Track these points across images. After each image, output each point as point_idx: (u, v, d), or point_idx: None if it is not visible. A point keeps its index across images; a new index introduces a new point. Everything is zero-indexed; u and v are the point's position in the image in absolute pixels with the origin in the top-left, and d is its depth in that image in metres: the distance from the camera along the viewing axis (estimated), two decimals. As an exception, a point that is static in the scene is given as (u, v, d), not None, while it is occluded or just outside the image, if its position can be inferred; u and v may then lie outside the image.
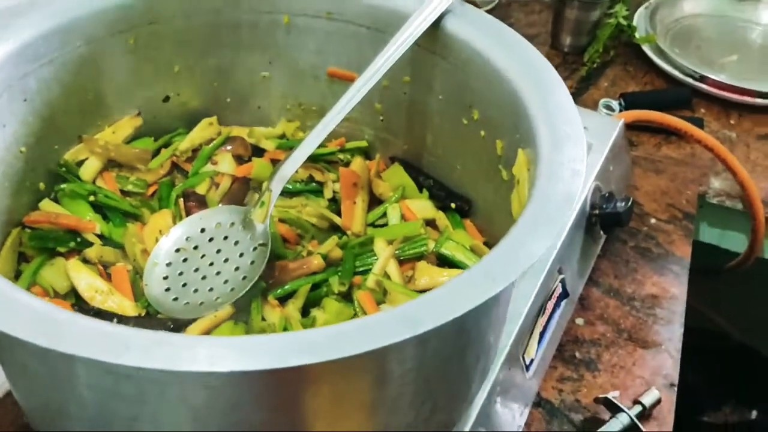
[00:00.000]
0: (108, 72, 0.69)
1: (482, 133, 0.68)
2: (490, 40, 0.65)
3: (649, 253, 1.01)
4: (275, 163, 0.76)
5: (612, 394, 0.81)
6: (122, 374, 0.43)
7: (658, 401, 0.82)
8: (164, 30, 0.70)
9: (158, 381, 0.43)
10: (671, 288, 0.96)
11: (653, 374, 0.87)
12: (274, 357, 0.39)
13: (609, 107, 1.19)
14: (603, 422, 0.79)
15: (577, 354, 0.88)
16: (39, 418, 0.58)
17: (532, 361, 0.77)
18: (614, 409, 0.79)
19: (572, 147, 0.54)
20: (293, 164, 0.66)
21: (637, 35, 1.30)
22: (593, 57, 1.31)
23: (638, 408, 0.80)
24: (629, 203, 0.92)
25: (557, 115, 0.57)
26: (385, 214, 0.73)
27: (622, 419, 0.78)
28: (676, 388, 0.85)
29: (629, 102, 1.17)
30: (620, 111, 1.15)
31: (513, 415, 0.73)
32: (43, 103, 0.65)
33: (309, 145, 0.66)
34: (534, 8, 1.45)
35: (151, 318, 0.61)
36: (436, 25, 0.67)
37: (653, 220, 1.06)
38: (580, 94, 1.26)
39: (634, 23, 1.32)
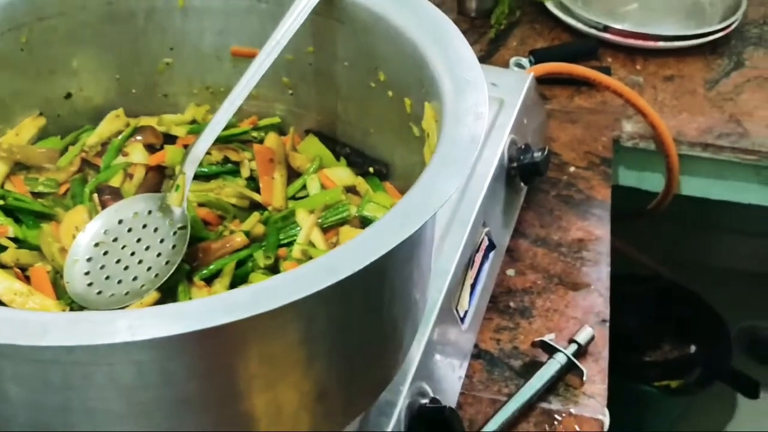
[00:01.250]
0: (3, 73, 0.67)
1: (390, 93, 0.68)
2: (387, 1, 0.65)
3: (571, 200, 1.04)
4: (187, 147, 0.75)
5: (548, 337, 0.84)
6: (47, 360, 0.42)
7: (592, 338, 0.84)
8: (56, 25, 0.69)
9: (83, 363, 0.43)
10: (595, 231, 0.99)
11: (585, 313, 0.89)
12: (196, 319, 0.39)
13: (520, 65, 1.22)
14: (542, 364, 0.81)
15: (512, 304, 0.90)
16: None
17: (466, 313, 0.78)
18: (551, 351, 0.82)
19: (474, 92, 0.55)
20: (204, 144, 0.65)
21: (540, -6, 1.33)
22: (500, 19, 1.34)
23: (574, 346, 0.83)
24: (545, 153, 0.94)
25: (458, 65, 0.59)
26: (304, 186, 0.73)
27: (560, 359, 0.80)
28: (608, 324, 0.88)
29: (539, 58, 1.20)
30: (530, 67, 1.18)
31: (453, 366, 0.75)
32: (-63, 110, 0.63)
33: (217, 124, 0.66)
34: (437, -23, 1.47)
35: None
36: (332, -9, 0.67)
37: (572, 168, 1.09)
38: (490, 55, 1.29)
39: (536, -18, 1.34)
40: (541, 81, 1.12)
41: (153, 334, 0.39)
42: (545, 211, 1.02)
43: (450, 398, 0.74)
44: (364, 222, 0.68)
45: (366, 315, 0.51)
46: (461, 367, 0.77)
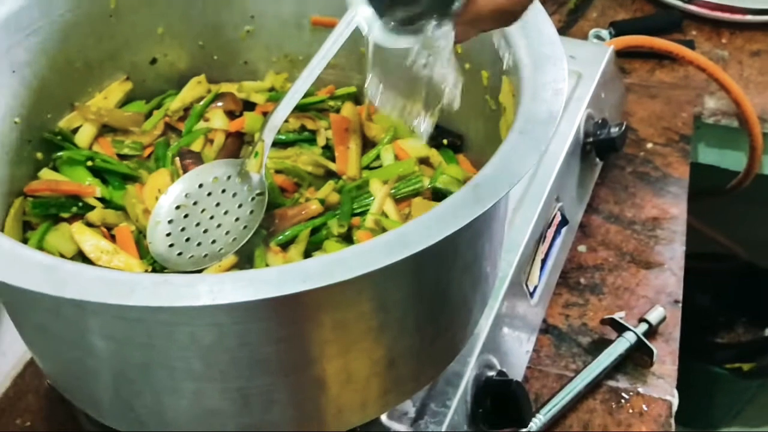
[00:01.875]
0: (94, 38, 0.70)
1: (467, 66, 0.68)
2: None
3: (647, 177, 1.02)
4: (266, 115, 0.76)
5: (618, 315, 0.83)
6: (132, 319, 0.45)
7: (664, 318, 0.83)
8: (144, -8, 0.70)
9: (166, 322, 0.45)
10: (671, 209, 0.97)
11: (657, 293, 0.88)
12: (274, 286, 0.40)
13: (599, 37, 1.19)
14: (610, 342, 0.80)
15: (582, 280, 0.90)
16: (60, 378, 0.60)
17: (535, 288, 0.78)
18: (621, 329, 0.81)
19: (553, 68, 0.55)
20: (283, 112, 0.66)
21: (623, -38, 1.29)
22: (581, -12, 1.30)
23: (644, 326, 0.82)
24: (623, 128, 0.92)
25: (537, 39, 0.58)
26: (378, 157, 0.74)
27: (629, 337, 0.80)
28: (680, 305, 0.87)
29: (619, 30, 1.17)
30: (610, 39, 1.15)
31: (520, 340, 0.75)
32: (32, 73, 0.65)
33: (296, 93, 0.66)
34: (517, -56, 1.44)
35: (157, 273, 0.62)
36: (413, -38, 0.67)
37: (650, 145, 1.06)
38: (569, 26, 1.26)
39: (620, -50, 1.30)
40: (621, 54, 1.10)
41: (232, 298, 0.40)
42: (620, 188, 1.00)
43: (517, 372, 0.74)
44: (437, 194, 0.69)
45: (437, 287, 0.52)
46: (529, 341, 0.77)
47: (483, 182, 0.47)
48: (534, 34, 0.59)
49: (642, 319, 0.83)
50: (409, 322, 0.51)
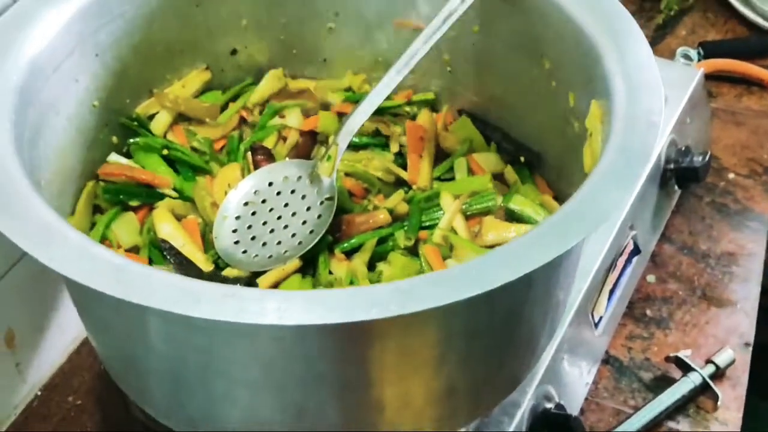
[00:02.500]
0: (177, 26, 0.69)
1: (553, 83, 0.66)
2: (563, -12, 0.62)
3: (725, 209, 0.98)
4: (341, 116, 0.75)
5: (683, 353, 0.79)
6: (195, 326, 0.44)
7: (733, 361, 0.79)
8: (232, -17, 0.70)
9: (229, 332, 0.44)
10: (748, 245, 0.93)
11: (727, 333, 0.84)
12: (341, 311, 0.39)
13: (687, 56, 1.14)
14: (674, 381, 0.77)
15: (648, 312, 0.87)
16: (115, 367, 0.60)
17: (601, 318, 0.76)
18: (686, 369, 0.78)
19: (649, 98, 0.52)
20: (360, 118, 0.65)
21: (719, -20, 1.24)
22: (671, 3, 1.25)
23: (711, 367, 0.78)
24: (707, 157, 0.88)
25: (633, 64, 0.55)
26: (451, 168, 0.72)
27: (694, 378, 0.76)
28: (751, 348, 0.83)
29: (708, 51, 1.12)
30: (699, 60, 1.10)
31: (581, 372, 0.73)
32: (114, 57, 0.65)
33: (375, 99, 0.65)
34: (609, -47, 1.39)
35: (220, 275, 0.61)
36: (507, -28, 0.65)
37: (731, 175, 1.02)
38: (656, 42, 1.21)
39: (717, -33, 1.25)
40: (708, 76, 1.05)
41: (299, 320, 0.39)
42: (696, 218, 0.96)
43: (574, 404, 0.72)
44: (509, 214, 0.66)
45: (507, 319, 0.50)
46: (589, 373, 0.75)
47: (567, 217, 0.44)
48: (630, 58, 0.56)
49: (709, 360, 0.79)
50: (474, 353, 0.49)
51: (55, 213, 0.45)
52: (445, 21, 0.64)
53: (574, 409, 0.71)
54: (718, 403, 0.75)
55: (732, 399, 0.78)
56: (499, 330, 0.49)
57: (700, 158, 0.88)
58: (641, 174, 0.46)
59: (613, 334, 0.81)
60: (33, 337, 0.73)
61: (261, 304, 0.40)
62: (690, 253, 0.92)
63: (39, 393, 0.76)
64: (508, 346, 0.52)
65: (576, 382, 0.72)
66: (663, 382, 0.78)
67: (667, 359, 0.79)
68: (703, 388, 0.76)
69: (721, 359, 0.79)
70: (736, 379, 0.79)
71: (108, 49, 0.65)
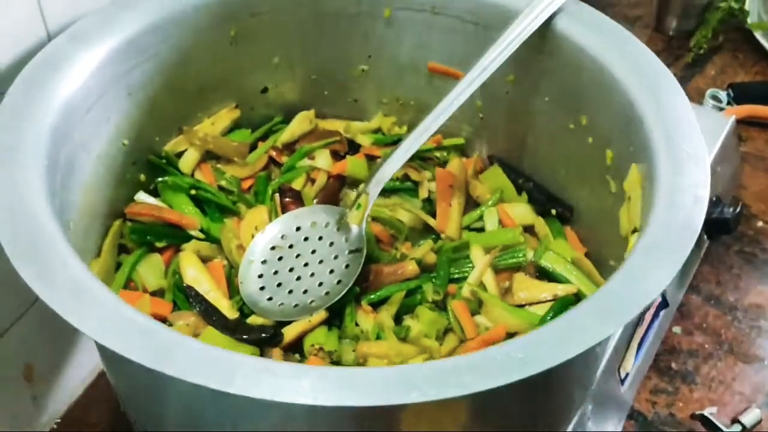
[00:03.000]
0: (209, 64, 0.69)
1: (590, 139, 0.65)
2: (606, 45, 0.61)
3: (754, 259, 0.96)
4: (370, 159, 0.74)
5: (709, 411, 0.78)
6: (225, 394, 0.43)
7: (759, 421, 0.78)
8: (266, 21, 0.69)
9: (260, 404, 0.43)
10: None
11: (755, 391, 0.82)
12: (379, 395, 0.38)
13: (716, 98, 1.13)
14: None
15: (674, 365, 0.85)
16: (132, 408, 0.59)
17: (627, 374, 0.74)
18: (711, 427, 0.76)
19: (694, 169, 0.51)
20: (392, 167, 0.64)
21: (749, 20, 1.22)
22: (700, 42, 1.24)
23: (737, 427, 0.77)
24: (738, 209, 0.87)
25: (677, 132, 0.54)
26: (481, 218, 0.71)
27: None
28: None
29: (738, 93, 1.10)
30: (728, 102, 1.08)
31: (605, 428, 0.71)
32: (146, 96, 0.65)
33: (408, 148, 0.64)
34: (638, -13, 1.38)
35: (245, 324, 0.60)
36: (547, 23, 0.64)
37: (760, 223, 1.00)
38: (684, 81, 1.20)
39: (747, 7, 1.23)
40: (738, 120, 1.03)
41: (335, 401, 0.38)
42: (724, 268, 0.94)
43: (598, 462, 0.70)
44: (540, 271, 0.65)
45: (544, 395, 0.48)
46: (615, 429, 0.73)
47: (610, 298, 0.43)
48: (672, 124, 0.55)
49: (735, 420, 0.77)
50: (509, 421, 0.48)
51: (87, 270, 0.44)
52: (483, 72, 0.63)
53: (596, 467, 0.69)
54: (745, 465, 0.74)
55: (758, 461, 0.76)
56: (533, 405, 0.48)
57: (731, 209, 0.86)
58: (687, 253, 0.45)
59: (638, 387, 0.80)
60: (51, 372, 0.72)
61: (296, 382, 0.39)
62: (717, 305, 0.90)
63: (55, 426, 0.75)
64: (543, 417, 0.51)
65: (600, 440, 0.70)
66: None
67: (693, 417, 0.78)
68: None
69: (748, 419, 0.77)
70: (762, 440, 0.78)
71: (140, 88, 0.64)
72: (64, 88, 0.56)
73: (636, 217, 0.56)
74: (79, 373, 0.76)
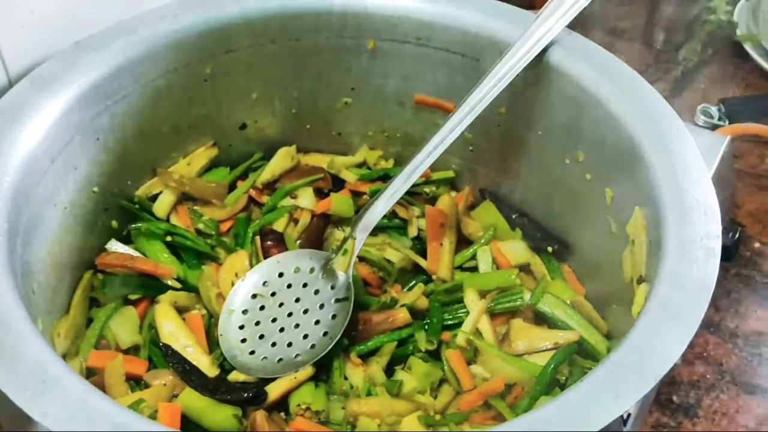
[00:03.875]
0: (184, 103, 0.65)
1: (588, 176, 0.61)
2: (602, 78, 0.58)
3: (752, 281, 0.93)
4: (355, 195, 0.71)
5: None
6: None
7: (765, 458, 0.74)
8: (242, 58, 0.65)
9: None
10: None
11: (759, 424, 0.79)
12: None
13: (707, 113, 1.10)
14: None
15: (675, 398, 0.82)
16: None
17: (629, 415, 0.71)
18: None
19: (704, 218, 0.48)
20: (380, 210, 0.61)
21: (738, 32, 1.20)
22: (689, 55, 1.21)
23: (743, 466, 0.73)
24: (737, 235, 0.84)
25: (684, 176, 0.51)
26: (474, 257, 0.67)
27: None
28: None
29: (730, 110, 1.06)
30: (719, 118, 1.05)
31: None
32: (116, 140, 0.61)
33: (398, 189, 0.61)
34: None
35: (226, 382, 0.57)
36: (540, 55, 0.61)
37: (757, 244, 0.97)
38: (674, 96, 1.17)
39: (735, 19, 1.21)
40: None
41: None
42: (721, 292, 0.92)
43: None
44: (539, 315, 0.62)
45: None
46: (617, 476, 0.70)
47: (621, 369, 0.40)
48: (680, 167, 0.52)
49: None
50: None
51: (52, 351, 0.40)
52: (477, 105, 0.60)
53: None
54: (752, 506, 0.71)
55: (766, 501, 0.73)
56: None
57: (730, 235, 0.83)
58: (701, 315, 0.42)
59: (640, 425, 0.77)
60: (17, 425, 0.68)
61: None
62: (717, 332, 0.87)
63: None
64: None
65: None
66: None
67: None
68: None
69: None
70: (768, 478, 0.75)
71: (110, 133, 0.60)
72: (25, 140, 0.52)
73: (641, 264, 0.52)
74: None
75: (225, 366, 0.59)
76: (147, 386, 0.57)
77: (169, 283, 0.63)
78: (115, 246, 0.63)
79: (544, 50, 0.60)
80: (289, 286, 0.62)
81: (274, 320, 0.61)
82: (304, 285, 0.62)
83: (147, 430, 0.37)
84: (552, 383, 0.56)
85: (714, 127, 1.04)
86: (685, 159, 0.52)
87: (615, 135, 0.57)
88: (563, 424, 0.37)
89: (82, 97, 0.56)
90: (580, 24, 0.63)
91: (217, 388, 0.56)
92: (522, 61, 0.60)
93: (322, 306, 0.61)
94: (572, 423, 0.37)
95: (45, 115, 0.54)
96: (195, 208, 0.68)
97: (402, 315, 0.61)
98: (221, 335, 0.60)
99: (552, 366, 0.56)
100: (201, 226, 0.66)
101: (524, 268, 0.67)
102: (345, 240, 0.61)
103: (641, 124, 0.55)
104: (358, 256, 0.66)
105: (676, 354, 0.40)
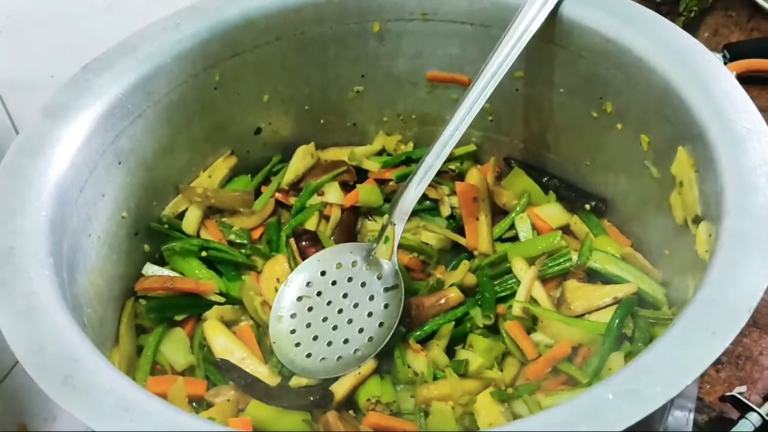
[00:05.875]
0: (197, 113, 0.63)
1: (619, 126, 0.60)
2: (623, 23, 0.57)
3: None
4: (381, 183, 0.69)
5: (738, 390, 0.71)
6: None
7: (793, 395, 0.71)
8: (249, 60, 0.64)
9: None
10: None
11: (784, 363, 0.76)
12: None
13: (711, 61, 1.08)
14: (731, 422, 0.68)
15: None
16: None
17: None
18: (743, 408, 0.70)
19: (758, 145, 0.46)
20: (415, 194, 0.59)
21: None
22: (690, 5, 1.17)
23: (771, 404, 0.70)
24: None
25: (726, 107, 0.50)
26: (512, 226, 0.66)
27: (753, 419, 0.68)
28: None
29: (734, 53, 1.04)
30: (725, 63, 1.04)
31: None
32: (137, 161, 0.59)
33: (428, 169, 0.60)
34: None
35: (290, 389, 0.55)
36: (553, 12, 0.59)
37: None
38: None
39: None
40: (738, 79, 0.99)
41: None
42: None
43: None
44: (591, 273, 0.61)
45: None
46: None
47: (712, 308, 0.39)
48: (721, 99, 0.51)
49: (767, 397, 0.72)
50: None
51: (126, 379, 0.39)
52: (495, 74, 0.58)
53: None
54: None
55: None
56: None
57: None
58: (779, 239, 0.41)
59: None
60: (44, 427, 0.66)
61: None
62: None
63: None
64: None
65: None
66: (720, 425, 0.69)
67: (722, 399, 0.72)
68: (764, 427, 0.69)
69: None
70: (797, 415, 0.72)
71: (131, 154, 0.58)
72: (52, 172, 0.50)
73: (694, 203, 0.51)
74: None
75: (284, 373, 0.58)
76: (210, 405, 0.55)
77: (212, 298, 0.61)
78: (151, 269, 0.61)
79: (557, 5, 0.59)
80: (334, 282, 0.61)
81: (325, 319, 0.59)
82: (349, 279, 0.60)
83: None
84: (620, 338, 0.55)
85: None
86: (725, 89, 0.51)
87: (645, 79, 0.56)
88: (666, 372, 0.36)
89: (99, 122, 0.55)
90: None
91: (281, 395, 0.55)
92: (536, 20, 0.58)
93: (372, 297, 0.59)
94: (676, 370, 0.36)
95: (66, 144, 0.52)
96: (223, 220, 0.66)
97: (454, 294, 0.60)
98: (274, 343, 0.59)
99: (617, 321, 0.55)
100: (233, 237, 0.65)
101: (565, 230, 0.66)
102: (384, 228, 0.60)
103: (672, 63, 0.54)
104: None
105: (762, 283, 0.39)
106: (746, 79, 1.01)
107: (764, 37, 1.08)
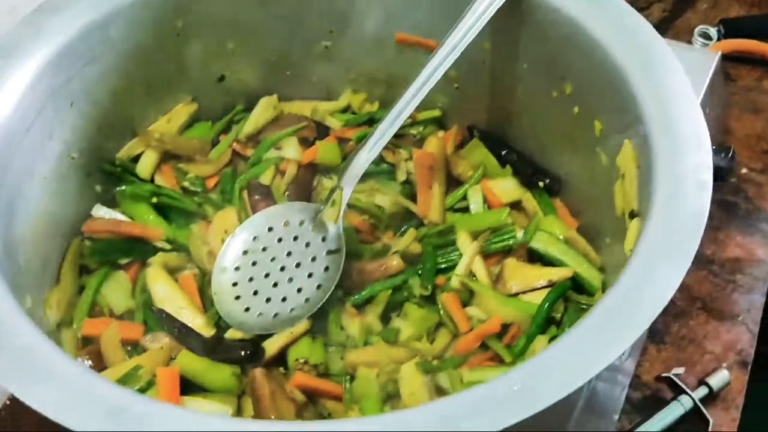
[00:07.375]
0: (157, 59, 0.63)
1: (575, 109, 0.60)
2: (588, 6, 0.56)
3: (735, 208, 0.88)
4: (341, 142, 0.69)
5: (676, 372, 0.73)
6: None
7: (727, 384, 0.72)
8: (213, 8, 0.63)
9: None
10: (758, 250, 0.83)
11: (726, 350, 0.75)
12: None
13: (706, 35, 1.05)
14: (664, 402, 0.70)
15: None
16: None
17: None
18: (677, 390, 0.71)
19: (695, 151, 0.47)
20: (366, 157, 0.60)
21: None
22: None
23: (704, 390, 0.71)
24: (730, 155, 0.82)
25: (673, 108, 0.50)
26: (465, 197, 0.66)
27: (685, 402, 0.69)
28: (749, 368, 0.75)
29: (729, 29, 1.01)
30: (719, 40, 1.01)
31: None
32: (90, 103, 0.59)
33: (383, 134, 0.60)
34: None
35: (224, 341, 0.56)
36: (522, -14, 0.59)
37: (744, 170, 0.92)
38: (674, 18, 1.10)
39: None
40: (727, 57, 0.97)
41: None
42: (701, 218, 0.89)
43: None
44: (532, 253, 0.61)
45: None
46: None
47: (620, 308, 0.39)
48: (669, 100, 0.50)
49: (702, 381, 0.73)
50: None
51: (45, 337, 0.40)
52: (459, 43, 0.58)
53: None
54: (709, 428, 0.70)
55: (726, 421, 0.71)
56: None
57: (722, 155, 0.82)
58: (694, 250, 0.41)
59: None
60: None
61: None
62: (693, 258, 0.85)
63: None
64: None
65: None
66: (653, 403, 0.70)
67: (658, 378, 0.73)
68: (695, 412, 0.71)
69: (716, 381, 0.70)
70: (730, 402, 0.72)
71: (83, 96, 0.58)
72: (-5, 113, 0.50)
73: (632, 197, 0.52)
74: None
75: (221, 325, 0.59)
76: (144, 350, 0.57)
77: (159, 244, 0.62)
78: (100, 211, 0.62)
79: (526, -20, 0.58)
80: (280, 240, 0.61)
81: (267, 275, 0.60)
82: (295, 238, 0.61)
83: (148, 409, 0.37)
84: (548, 321, 0.56)
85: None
86: (675, 89, 0.50)
87: (602, 66, 0.55)
88: (561, 372, 0.37)
89: (50, 63, 0.54)
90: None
91: (214, 347, 0.56)
92: (503, -6, 0.58)
93: (314, 259, 0.60)
94: (569, 370, 0.37)
95: (13, 85, 0.52)
96: (179, 166, 0.66)
97: (395, 262, 0.61)
98: (215, 294, 0.60)
99: (547, 304, 0.56)
100: (187, 183, 0.65)
101: (516, 205, 0.66)
102: (332, 191, 0.60)
103: (629, 54, 0.53)
104: (348, 204, 0.65)
105: (672, 288, 0.40)
106: (735, 58, 0.99)
107: (763, 15, 1.05)
